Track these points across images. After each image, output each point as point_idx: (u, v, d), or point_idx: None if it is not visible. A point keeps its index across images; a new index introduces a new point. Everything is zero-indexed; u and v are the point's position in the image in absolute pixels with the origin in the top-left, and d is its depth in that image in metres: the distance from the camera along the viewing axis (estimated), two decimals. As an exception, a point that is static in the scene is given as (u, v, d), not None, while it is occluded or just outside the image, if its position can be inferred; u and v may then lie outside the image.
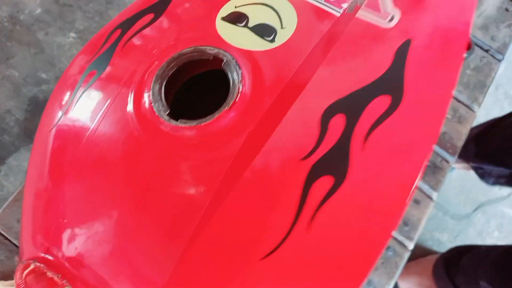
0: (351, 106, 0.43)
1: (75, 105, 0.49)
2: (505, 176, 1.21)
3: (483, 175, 1.29)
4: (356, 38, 0.47)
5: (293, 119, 0.42)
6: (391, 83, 0.44)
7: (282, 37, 0.48)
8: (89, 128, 0.46)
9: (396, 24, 0.48)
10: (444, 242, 1.68)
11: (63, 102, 0.50)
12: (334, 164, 0.40)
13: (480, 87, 0.98)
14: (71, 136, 0.48)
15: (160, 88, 0.46)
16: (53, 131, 0.49)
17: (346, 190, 0.39)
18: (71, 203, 0.44)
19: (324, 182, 0.39)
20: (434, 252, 1.52)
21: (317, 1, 0.50)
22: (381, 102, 0.43)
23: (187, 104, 0.54)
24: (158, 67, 0.47)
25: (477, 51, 1.00)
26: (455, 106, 0.94)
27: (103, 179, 0.44)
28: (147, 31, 0.51)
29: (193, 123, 0.43)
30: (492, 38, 1.00)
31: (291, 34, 0.48)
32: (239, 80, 0.44)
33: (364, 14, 0.49)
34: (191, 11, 0.51)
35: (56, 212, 0.44)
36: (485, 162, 1.21)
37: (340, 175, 0.39)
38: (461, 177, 1.64)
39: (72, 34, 1.78)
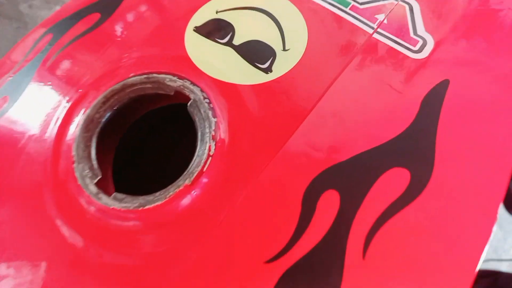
0: (349, 179, 0.27)
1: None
2: None
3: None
4: (367, 69, 0.31)
5: (260, 194, 0.26)
6: (412, 150, 0.28)
7: (283, 64, 0.31)
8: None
9: (428, 55, 0.31)
10: (456, 258, 1.54)
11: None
12: (317, 278, 0.24)
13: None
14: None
15: (89, 139, 0.29)
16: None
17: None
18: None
19: None
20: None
21: (338, 8, 0.33)
22: (396, 179, 0.27)
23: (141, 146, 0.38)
24: (92, 102, 0.30)
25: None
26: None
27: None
28: (86, 39, 0.34)
29: (133, 203, 0.27)
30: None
31: (297, 61, 0.31)
32: (211, 134, 0.28)
33: (385, 36, 0.32)
34: (150, 14, 0.34)
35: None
36: None
37: None
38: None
39: (58, 8, 1.60)
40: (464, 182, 0.27)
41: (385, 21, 0.33)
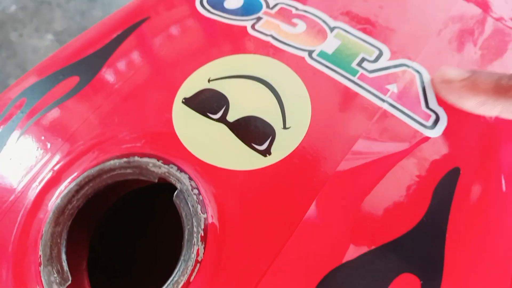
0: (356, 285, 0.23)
1: None
2: None
3: None
4: (376, 148, 0.27)
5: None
6: (423, 251, 0.24)
7: (283, 145, 0.27)
8: None
9: (441, 134, 0.28)
10: None
11: None
12: None
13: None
14: None
15: (59, 235, 0.25)
16: None
17: None
18: None
19: None
20: None
21: (345, 77, 0.30)
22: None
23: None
24: (63, 190, 0.26)
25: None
26: None
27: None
28: (63, 107, 0.30)
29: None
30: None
31: (299, 142, 0.27)
32: (200, 234, 0.24)
33: (396, 108, 0.29)
34: (135, 81, 0.30)
35: None
36: None
37: None
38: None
39: (50, 36, 1.57)
40: None
41: (397, 92, 0.30)
